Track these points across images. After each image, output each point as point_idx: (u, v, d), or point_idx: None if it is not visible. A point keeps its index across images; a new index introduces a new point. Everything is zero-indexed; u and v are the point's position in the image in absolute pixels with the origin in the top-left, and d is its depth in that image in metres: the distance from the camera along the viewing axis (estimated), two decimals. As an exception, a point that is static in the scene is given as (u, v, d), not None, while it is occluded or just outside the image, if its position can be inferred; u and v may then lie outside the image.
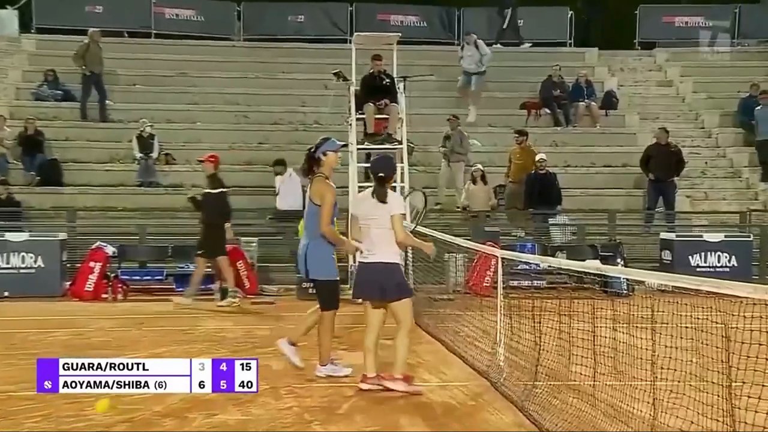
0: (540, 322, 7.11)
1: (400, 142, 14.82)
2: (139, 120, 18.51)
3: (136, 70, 21.01)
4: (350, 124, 15.01)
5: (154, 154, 18.05)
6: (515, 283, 10.00)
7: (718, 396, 4.97)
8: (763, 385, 4.89)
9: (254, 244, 14.98)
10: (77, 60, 19.23)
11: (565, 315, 6.70)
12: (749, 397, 4.95)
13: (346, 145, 7.81)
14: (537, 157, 17.02)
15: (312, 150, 7.70)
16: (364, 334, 7.34)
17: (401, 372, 7.11)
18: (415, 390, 7.10)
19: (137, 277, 14.43)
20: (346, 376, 7.71)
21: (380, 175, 7.15)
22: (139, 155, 17.91)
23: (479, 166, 17.11)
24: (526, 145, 17.41)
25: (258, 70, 21.71)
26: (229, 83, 21.17)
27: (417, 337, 9.79)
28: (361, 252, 7.28)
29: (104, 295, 13.32)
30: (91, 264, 13.80)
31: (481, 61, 20.22)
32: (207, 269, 13.36)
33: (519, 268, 10.07)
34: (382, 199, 7.09)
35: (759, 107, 18.35)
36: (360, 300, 7.40)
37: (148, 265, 14.75)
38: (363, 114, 14.99)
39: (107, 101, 19.48)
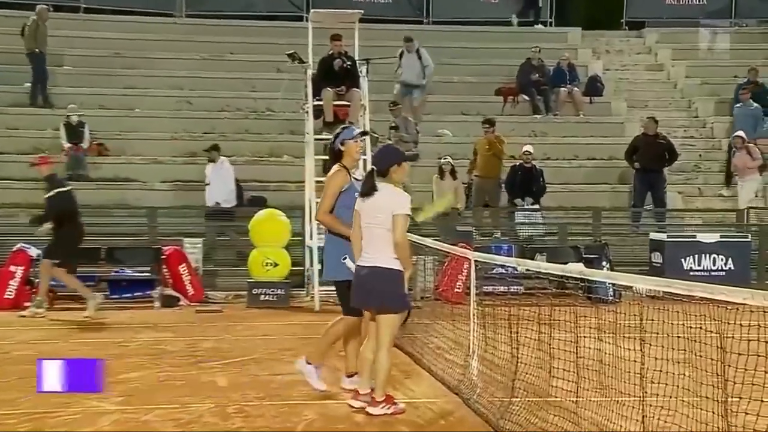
0: (518, 332, 7.15)
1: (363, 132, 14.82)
2: (66, 106, 18.31)
3: (62, 49, 20.76)
4: (306, 112, 14.98)
5: (85, 144, 17.87)
6: (490, 288, 10.03)
7: (713, 413, 5.02)
8: (762, 401, 4.95)
9: (199, 246, 14.90)
10: (28, 40, 19.21)
11: (545, 324, 6.74)
12: (746, 413, 5.02)
13: (366, 133, 7.78)
14: (523, 149, 17.17)
15: (331, 142, 7.73)
16: (363, 346, 7.25)
17: (382, 394, 7.05)
18: (397, 410, 7.07)
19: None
20: (318, 390, 7.66)
21: (371, 168, 7.08)
22: (67, 145, 17.71)
23: (449, 158, 17.12)
24: (495, 136, 17.48)
25: (203, 50, 21.59)
26: (170, 65, 21.02)
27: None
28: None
29: (27, 304, 13.15)
30: (12, 268, 13.62)
31: (422, 73, 19.35)
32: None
33: (494, 272, 10.10)
34: (365, 192, 6.95)
35: (739, 105, 18.49)
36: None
37: (77, 269, 14.56)
38: (321, 100, 14.96)
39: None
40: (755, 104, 19.40)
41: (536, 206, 17.04)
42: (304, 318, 12.89)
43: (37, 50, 19.26)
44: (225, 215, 16.21)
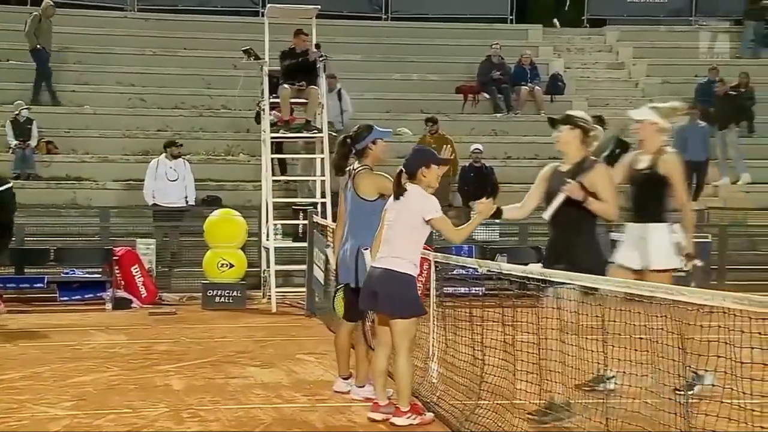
0: (482, 334, 7.19)
1: (320, 130, 14.81)
2: (13, 102, 18.09)
3: (9, 43, 20.50)
4: (263, 109, 14.94)
5: (33, 142, 17.65)
6: (450, 289, 10.07)
7: (675, 414, 5.09)
8: (721, 402, 5.03)
9: (152, 247, 14.80)
10: (30, 37, 19.08)
11: (507, 325, 6.78)
12: (707, 414, 5.09)
13: (395, 133, 7.57)
14: (472, 148, 17.19)
15: (349, 141, 7.58)
16: (374, 355, 7.10)
17: (406, 404, 6.87)
18: (424, 420, 6.92)
19: (12, 285, 14.12)
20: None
21: (400, 169, 6.88)
22: (14, 143, 17.50)
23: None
24: (440, 134, 17.52)
25: (156, 45, 21.42)
26: (122, 61, 20.84)
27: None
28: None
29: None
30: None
31: (341, 117, 17.97)
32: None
33: (454, 272, 10.13)
34: (397, 194, 6.80)
35: (687, 124, 18.30)
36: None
37: (25, 270, 14.43)
38: (278, 98, 14.92)
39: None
40: (703, 123, 18.62)
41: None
42: (260, 320, 12.86)
43: (38, 47, 19.12)
44: (177, 215, 16.05)
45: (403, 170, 6.87)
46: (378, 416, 6.94)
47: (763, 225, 18.16)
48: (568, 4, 23.68)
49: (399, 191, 6.82)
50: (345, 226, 7.59)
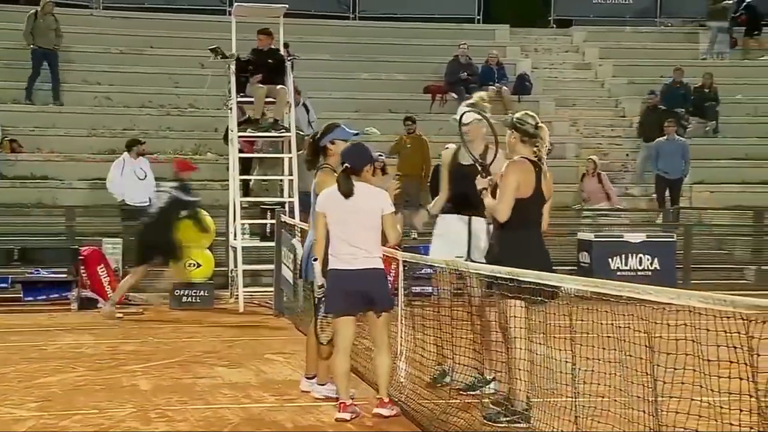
0: (452, 334, 7.20)
1: (288, 129, 14.77)
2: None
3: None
4: (230, 108, 14.87)
5: (-4, 141, 17.48)
6: (418, 289, 10.08)
7: (644, 412, 5.12)
8: (691, 399, 5.06)
9: (118, 246, 14.68)
10: (27, 36, 18.98)
11: (477, 324, 6.79)
12: (677, 413, 5.12)
13: (358, 134, 7.66)
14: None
15: (317, 138, 7.62)
16: (336, 356, 6.97)
17: (387, 395, 6.99)
18: (398, 412, 7.00)
19: (-24, 286, 13.95)
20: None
21: (346, 166, 6.90)
22: (-24, 142, 17.31)
23: (383, 156, 17.11)
24: (417, 134, 17.52)
25: (122, 44, 21.25)
26: (88, 59, 20.66)
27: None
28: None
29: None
30: None
31: (309, 126, 17.47)
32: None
33: (423, 272, 10.14)
34: (346, 193, 6.81)
35: (664, 138, 18.26)
36: (331, 316, 7.03)
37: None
38: (245, 96, 14.86)
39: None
40: (680, 138, 18.68)
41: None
42: (228, 320, 12.80)
43: (32, 45, 18.97)
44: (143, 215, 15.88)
45: (349, 167, 6.89)
46: (347, 416, 6.92)
47: (728, 224, 18.38)
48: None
49: (349, 190, 6.82)
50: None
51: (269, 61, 14.97)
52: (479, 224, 7.76)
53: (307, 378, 7.86)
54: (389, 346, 7.06)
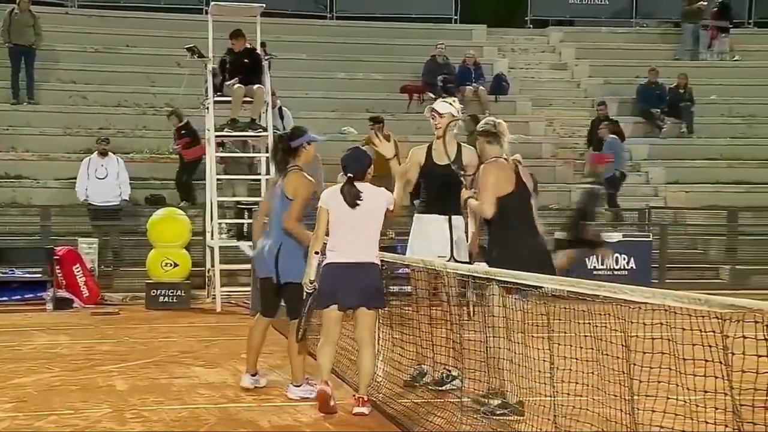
0: (431, 333, 7.20)
1: (265, 129, 14.73)
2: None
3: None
4: (207, 108, 14.82)
5: (-30, 140, 17.35)
6: (396, 288, 10.07)
7: (621, 411, 5.14)
8: (667, 398, 5.09)
9: (94, 246, 14.61)
10: (3, 34, 18.84)
11: (455, 324, 6.81)
12: (653, 411, 5.15)
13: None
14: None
15: (289, 139, 7.69)
16: (324, 347, 7.06)
17: (366, 394, 7.05)
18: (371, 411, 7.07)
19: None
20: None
21: (349, 175, 7.02)
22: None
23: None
24: (386, 133, 17.48)
25: (98, 42, 21.14)
26: (64, 58, 20.55)
27: (282, 351, 9.75)
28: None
29: None
30: None
31: (284, 128, 17.08)
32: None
33: (400, 272, 10.14)
34: (353, 203, 6.93)
35: (612, 137, 18.12)
36: (324, 309, 7.09)
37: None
38: (222, 96, 14.81)
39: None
40: (611, 136, 18.24)
41: None
42: (205, 320, 12.77)
43: (8, 44, 18.85)
44: (116, 214, 15.81)
45: (352, 176, 7.00)
46: (366, 410, 6.94)
47: (702, 224, 18.49)
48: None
49: (356, 198, 6.95)
50: (271, 221, 7.68)
51: (245, 61, 14.91)
52: (459, 222, 7.82)
53: (252, 375, 7.95)
54: (374, 345, 7.13)
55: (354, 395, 7.12)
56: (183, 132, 16.83)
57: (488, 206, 6.86)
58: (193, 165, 16.79)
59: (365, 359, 6.98)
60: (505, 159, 7.06)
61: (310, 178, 7.64)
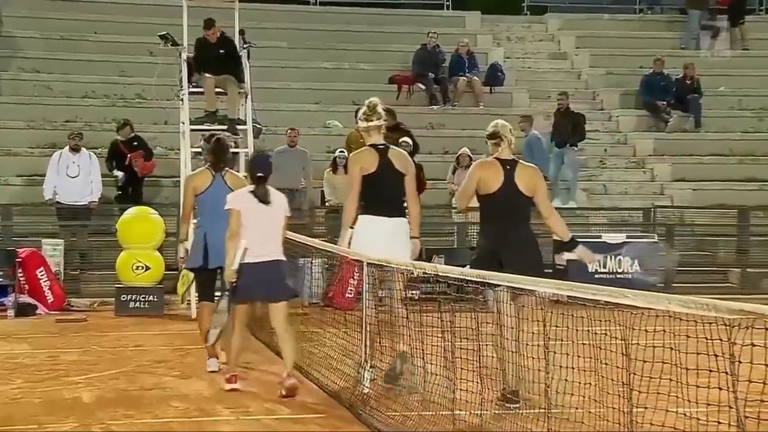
0: (422, 341, 7.22)
1: (244, 123, 14.72)
2: None
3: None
4: (182, 99, 14.80)
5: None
6: (384, 293, 10.07)
7: (619, 424, 5.18)
8: (667, 411, 5.12)
9: (59, 248, 14.59)
10: None
11: (447, 331, 6.83)
12: (651, 424, 5.19)
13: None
14: (400, 141, 17.14)
15: (223, 142, 9.35)
16: (235, 336, 8.32)
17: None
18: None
19: None
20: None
21: (260, 175, 8.16)
22: None
23: (342, 153, 17.12)
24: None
25: (64, 29, 21.12)
26: (27, 45, 20.53)
27: (267, 361, 9.78)
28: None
29: None
30: None
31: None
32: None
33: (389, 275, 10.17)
34: (264, 199, 8.13)
35: (535, 134, 18.13)
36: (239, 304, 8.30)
37: None
38: (197, 87, 14.79)
39: None
40: (535, 132, 18.30)
41: None
42: (179, 327, 12.76)
43: None
44: (84, 213, 15.77)
45: (263, 176, 8.17)
46: (293, 381, 8.09)
47: (711, 224, 18.54)
48: None
49: (266, 195, 8.16)
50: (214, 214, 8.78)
51: (221, 51, 14.82)
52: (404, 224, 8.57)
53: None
54: (291, 332, 8.46)
55: (284, 373, 8.12)
56: (135, 144, 16.76)
57: (460, 202, 8.00)
58: (141, 181, 16.80)
59: (287, 348, 8.24)
60: (501, 160, 7.79)
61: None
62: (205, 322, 8.98)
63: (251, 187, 8.20)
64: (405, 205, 8.66)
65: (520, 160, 8.00)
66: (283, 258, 8.29)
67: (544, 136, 18.47)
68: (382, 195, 8.40)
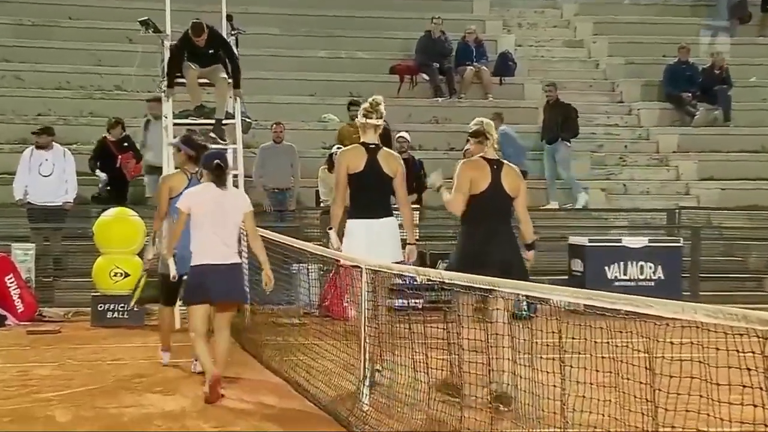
0: (426, 354, 7.23)
1: (232, 116, 14.71)
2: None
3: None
4: (164, 91, 14.79)
5: None
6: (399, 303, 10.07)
7: (643, 444, 5.17)
8: (697, 430, 5.11)
9: (31, 253, 14.60)
10: None
11: (452, 343, 6.83)
12: (680, 445, 5.18)
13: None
14: (397, 135, 17.15)
15: (201, 142, 10.31)
16: (197, 341, 8.86)
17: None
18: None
19: None
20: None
21: (218, 163, 8.60)
22: None
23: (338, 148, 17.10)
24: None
25: (35, 14, 21.12)
26: (-5, 32, 20.55)
27: (257, 374, 9.79)
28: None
29: None
30: None
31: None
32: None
33: (391, 282, 10.18)
34: (223, 181, 8.67)
35: (503, 128, 17.82)
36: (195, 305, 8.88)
37: None
38: (181, 77, 14.75)
39: None
40: (504, 127, 17.68)
41: (416, 206, 16.64)
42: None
43: None
44: (58, 215, 15.76)
45: (222, 165, 8.69)
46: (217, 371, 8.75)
47: (741, 227, 18.52)
48: None
49: (224, 182, 8.77)
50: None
51: (210, 51, 14.68)
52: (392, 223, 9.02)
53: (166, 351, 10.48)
54: (229, 328, 9.16)
55: (214, 371, 8.59)
56: (125, 144, 16.76)
57: (455, 203, 8.26)
58: (127, 183, 16.83)
59: (221, 342, 8.97)
60: (487, 159, 8.30)
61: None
62: (166, 325, 10.55)
63: (208, 183, 8.71)
64: (395, 205, 9.24)
65: (504, 161, 8.56)
66: (239, 261, 8.92)
67: (512, 131, 18.30)
68: (368, 196, 8.85)
